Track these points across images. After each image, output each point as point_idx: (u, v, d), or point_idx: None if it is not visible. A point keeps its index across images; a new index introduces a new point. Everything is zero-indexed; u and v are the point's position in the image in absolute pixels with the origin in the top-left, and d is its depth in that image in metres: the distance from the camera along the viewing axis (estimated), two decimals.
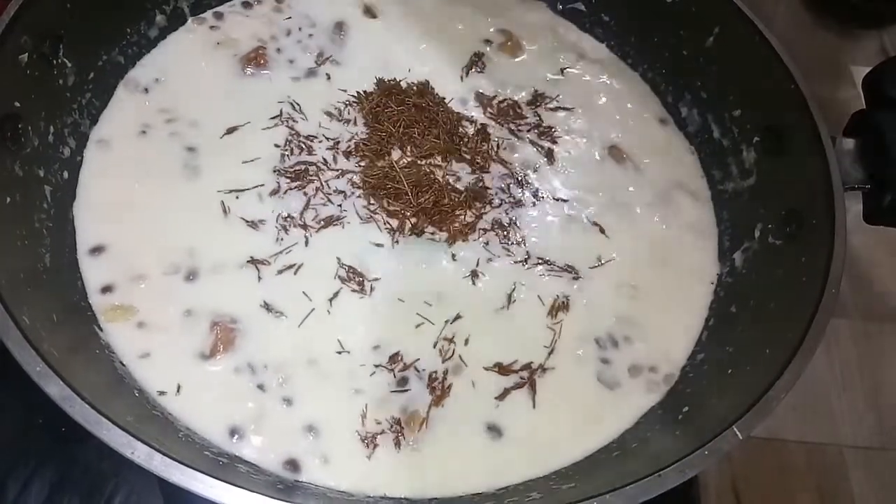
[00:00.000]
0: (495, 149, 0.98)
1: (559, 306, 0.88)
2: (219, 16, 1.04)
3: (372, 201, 0.90)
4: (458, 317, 0.85)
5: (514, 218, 0.93)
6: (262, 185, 0.89)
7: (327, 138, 0.95)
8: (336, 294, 0.84)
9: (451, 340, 0.83)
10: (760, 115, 0.94)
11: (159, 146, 0.91)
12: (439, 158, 0.95)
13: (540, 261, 0.90)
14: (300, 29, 1.03)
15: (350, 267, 0.85)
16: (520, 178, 0.96)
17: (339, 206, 0.90)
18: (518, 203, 0.94)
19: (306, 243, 0.86)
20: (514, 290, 0.88)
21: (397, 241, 0.88)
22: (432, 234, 0.90)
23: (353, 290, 0.84)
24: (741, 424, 0.68)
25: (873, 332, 1.20)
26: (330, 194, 0.90)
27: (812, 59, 1.50)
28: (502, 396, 0.81)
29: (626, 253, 0.93)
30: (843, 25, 1.59)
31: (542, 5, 1.14)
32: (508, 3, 1.13)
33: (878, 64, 0.89)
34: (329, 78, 1.00)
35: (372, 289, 0.85)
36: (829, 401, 1.14)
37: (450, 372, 0.81)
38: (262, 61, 0.99)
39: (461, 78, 1.04)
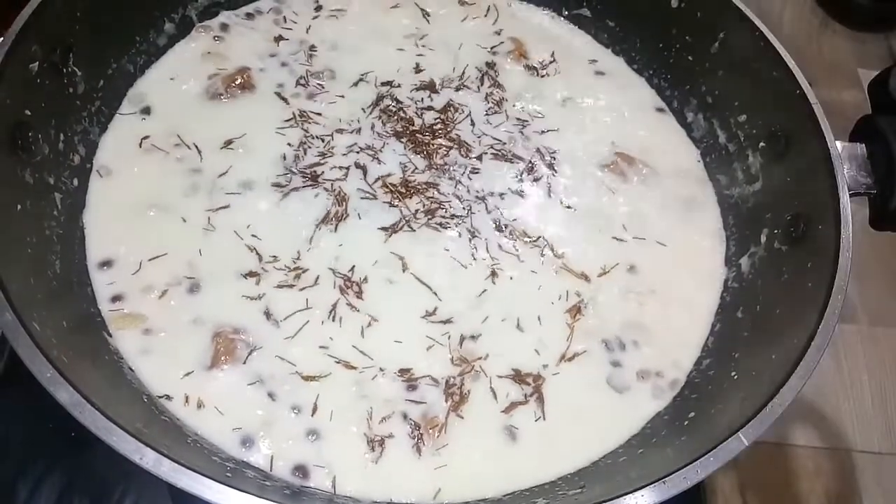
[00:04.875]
0: (504, 151, 0.98)
1: (573, 309, 0.88)
2: (224, 27, 1.04)
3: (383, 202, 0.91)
4: (467, 316, 0.85)
5: (522, 222, 0.93)
6: (267, 189, 0.91)
7: (330, 145, 0.95)
8: (339, 300, 0.84)
9: (465, 358, 0.83)
10: (766, 120, 0.94)
11: (163, 155, 0.91)
12: (445, 154, 0.96)
13: (550, 259, 0.91)
14: (291, 54, 1.03)
15: (346, 276, 0.86)
16: (528, 182, 0.97)
17: (351, 210, 0.90)
18: (526, 206, 0.94)
19: (305, 250, 0.87)
20: (522, 291, 0.88)
21: (393, 234, 0.89)
22: (440, 233, 0.90)
23: (356, 296, 0.84)
24: (747, 430, 0.68)
25: (880, 336, 1.19)
26: (344, 198, 0.91)
27: (820, 62, 1.50)
28: (508, 410, 0.81)
29: (634, 258, 0.93)
30: (851, 29, 1.59)
31: (548, 11, 1.14)
32: (514, 10, 1.13)
33: (884, 69, 0.89)
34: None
35: (376, 292, 0.85)
36: (837, 405, 1.14)
37: (466, 378, 0.81)
38: (246, 84, 0.98)
39: (477, 88, 1.04)
